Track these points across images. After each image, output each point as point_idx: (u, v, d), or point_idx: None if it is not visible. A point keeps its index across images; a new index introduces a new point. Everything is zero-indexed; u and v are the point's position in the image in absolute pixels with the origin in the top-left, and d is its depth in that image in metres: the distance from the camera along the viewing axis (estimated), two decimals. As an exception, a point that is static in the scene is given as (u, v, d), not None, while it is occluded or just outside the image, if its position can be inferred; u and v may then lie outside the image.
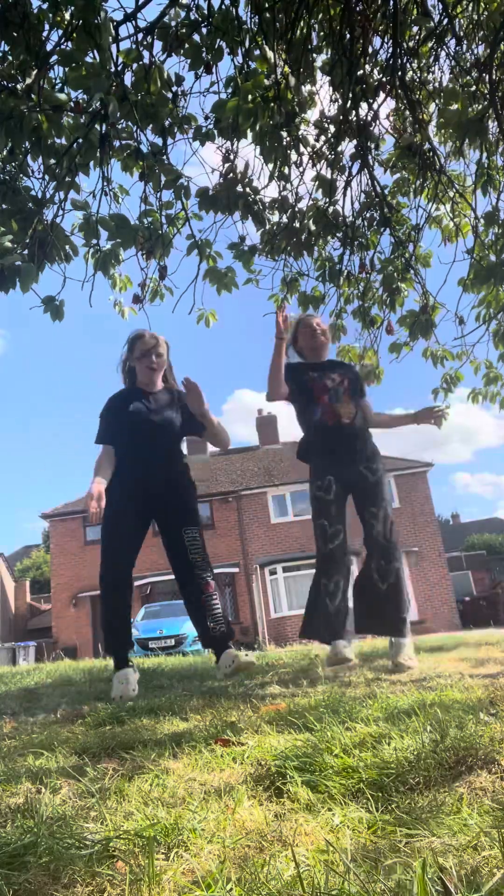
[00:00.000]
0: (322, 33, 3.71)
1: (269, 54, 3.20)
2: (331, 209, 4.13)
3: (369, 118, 3.86)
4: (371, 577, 3.24)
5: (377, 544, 3.27)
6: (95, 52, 2.63)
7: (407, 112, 4.01)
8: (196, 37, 3.26)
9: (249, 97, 3.07)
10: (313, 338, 3.59)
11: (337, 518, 3.28)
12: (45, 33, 2.77)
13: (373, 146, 4.13)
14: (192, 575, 3.10)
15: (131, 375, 3.36)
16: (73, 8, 2.57)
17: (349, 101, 3.65)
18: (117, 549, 3.13)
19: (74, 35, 2.63)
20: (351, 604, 3.30)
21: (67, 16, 2.74)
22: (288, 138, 3.55)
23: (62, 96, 2.86)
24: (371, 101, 3.76)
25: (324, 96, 4.03)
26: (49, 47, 2.79)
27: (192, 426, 3.32)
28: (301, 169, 3.98)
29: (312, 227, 4.13)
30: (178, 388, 3.40)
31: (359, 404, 3.48)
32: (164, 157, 3.51)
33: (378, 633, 3.35)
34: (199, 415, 3.22)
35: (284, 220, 4.11)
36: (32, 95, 2.72)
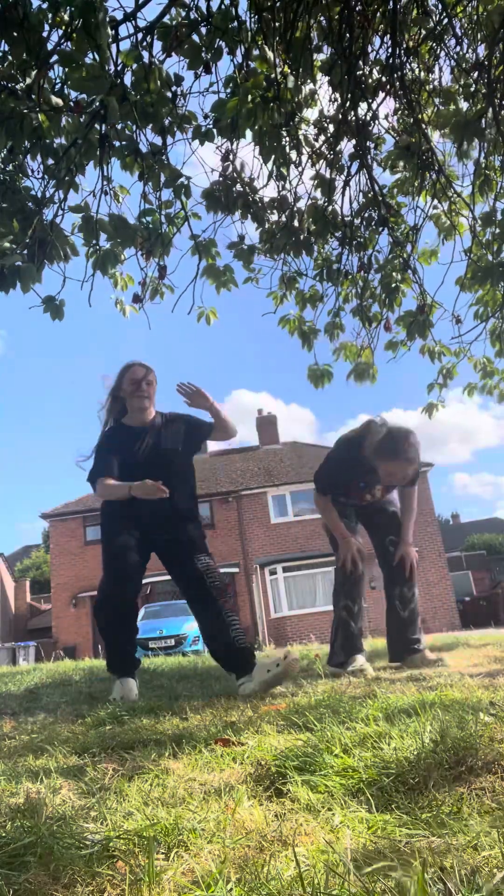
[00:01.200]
0: (321, 33, 3.71)
1: (269, 54, 3.20)
2: (329, 208, 4.13)
3: (368, 118, 3.87)
4: (392, 604, 3.40)
5: (399, 574, 3.38)
6: (95, 52, 2.63)
7: (406, 112, 4.01)
8: (196, 36, 3.25)
9: (249, 97, 3.06)
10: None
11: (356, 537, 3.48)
12: (45, 33, 2.76)
13: (372, 146, 4.13)
14: (212, 598, 2.94)
15: (120, 410, 3.26)
16: (72, 8, 2.57)
17: (348, 101, 3.65)
18: (123, 567, 2.96)
19: (74, 35, 2.63)
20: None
21: (67, 16, 2.74)
22: (287, 138, 3.55)
23: (60, 98, 2.86)
24: (370, 100, 3.76)
25: (323, 96, 4.02)
26: (49, 47, 2.78)
27: (198, 434, 3.23)
28: (300, 168, 3.98)
29: (311, 227, 4.13)
30: (167, 413, 3.30)
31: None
32: (164, 156, 3.51)
33: (399, 659, 3.43)
34: (206, 410, 3.14)
35: (283, 219, 4.11)
36: (32, 95, 2.71)
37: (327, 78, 3.71)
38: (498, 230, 4.23)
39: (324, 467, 3.54)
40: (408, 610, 3.37)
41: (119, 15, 2.96)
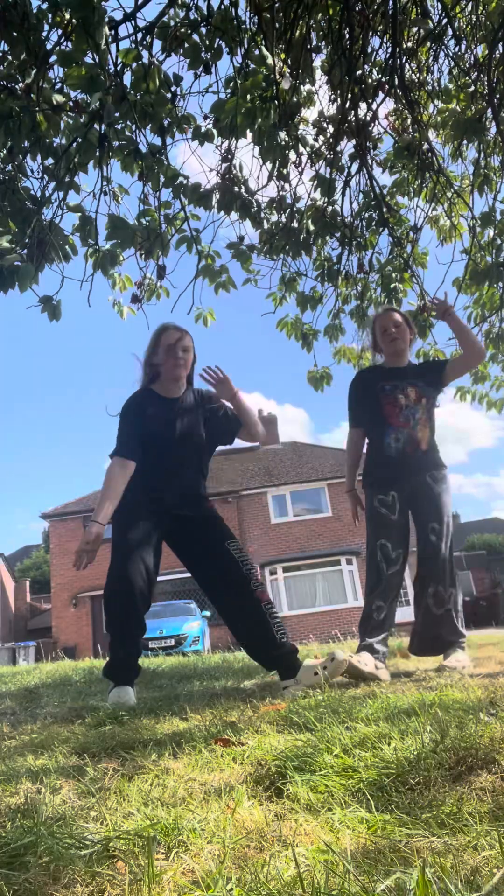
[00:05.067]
0: (321, 33, 3.71)
1: (268, 55, 3.20)
2: (329, 209, 4.13)
3: (368, 118, 3.87)
4: (426, 602, 3.02)
5: (435, 568, 3.00)
6: (94, 52, 2.63)
7: (406, 112, 4.02)
8: (195, 36, 3.26)
9: (248, 97, 3.07)
10: (384, 338, 3.24)
11: (399, 542, 3.04)
12: (44, 33, 2.77)
13: (371, 146, 4.13)
14: (249, 589, 2.69)
15: (153, 374, 2.93)
16: (71, 8, 2.57)
17: (348, 101, 3.65)
18: (137, 557, 2.67)
19: (73, 35, 2.63)
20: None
21: (67, 15, 2.74)
22: (287, 138, 3.55)
23: (60, 97, 2.86)
24: (370, 101, 3.77)
25: (323, 96, 4.03)
26: (48, 47, 2.79)
27: (223, 436, 2.95)
28: (300, 169, 3.99)
29: (311, 227, 4.13)
30: (202, 391, 3.00)
31: (432, 416, 3.18)
32: (164, 156, 3.52)
33: (429, 654, 3.14)
34: (231, 402, 2.87)
35: (283, 219, 4.11)
36: (32, 95, 2.72)
37: (327, 78, 3.72)
38: (497, 231, 4.23)
39: (350, 403, 3.34)
40: (443, 609, 2.98)
41: (119, 15, 2.96)
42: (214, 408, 2.95)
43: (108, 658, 2.79)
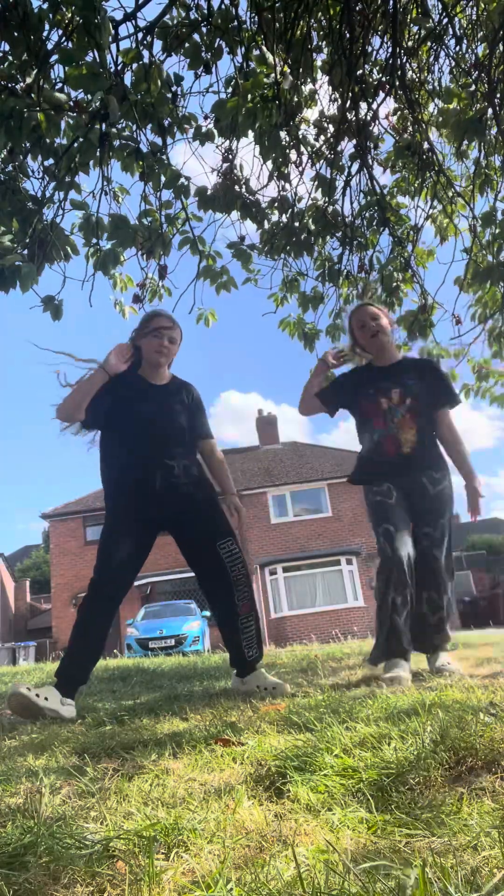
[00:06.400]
0: (322, 33, 3.71)
1: (269, 55, 3.20)
2: (330, 209, 4.13)
3: (369, 118, 3.87)
4: (422, 608, 2.89)
5: (430, 574, 2.88)
6: (95, 51, 2.63)
7: (406, 112, 4.02)
8: (196, 36, 3.26)
9: (249, 97, 3.07)
10: (362, 333, 3.10)
11: (403, 523, 2.87)
12: (45, 33, 2.77)
13: (372, 146, 4.13)
14: (231, 597, 2.68)
15: (137, 361, 2.86)
16: (73, 7, 2.57)
17: (348, 101, 3.65)
18: (119, 554, 2.61)
19: (74, 35, 2.63)
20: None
21: (68, 15, 2.74)
22: (287, 138, 3.55)
23: (62, 96, 2.86)
24: (370, 100, 3.77)
25: (323, 96, 4.03)
26: (49, 47, 2.79)
27: (199, 431, 2.90)
28: (301, 168, 3.99)
29: (312, 227, 4.13)
30: (185, 382, 2.96)
31: (430, 421, 3.01)
32: (164, 156, 3.52)
33: (417, 649, 2.98)
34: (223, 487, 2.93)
35: (284, 219, 4.11)
36: (32, 95, 2.72)
37: (327, 78, 3.72)
38: (498, 230, 4.23)
39: (331, 384, 3.27)
40: (437, 616, 2.89)
41: (119, 15, 2.96)
42: (191, 400, 2.91)
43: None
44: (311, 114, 3.96)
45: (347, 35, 3.32)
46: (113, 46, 2.88)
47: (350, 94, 3.59)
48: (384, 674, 2.71)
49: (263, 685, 2.68)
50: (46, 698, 2.39)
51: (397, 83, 3.57)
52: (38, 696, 2.38)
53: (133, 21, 3.02)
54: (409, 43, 3.81)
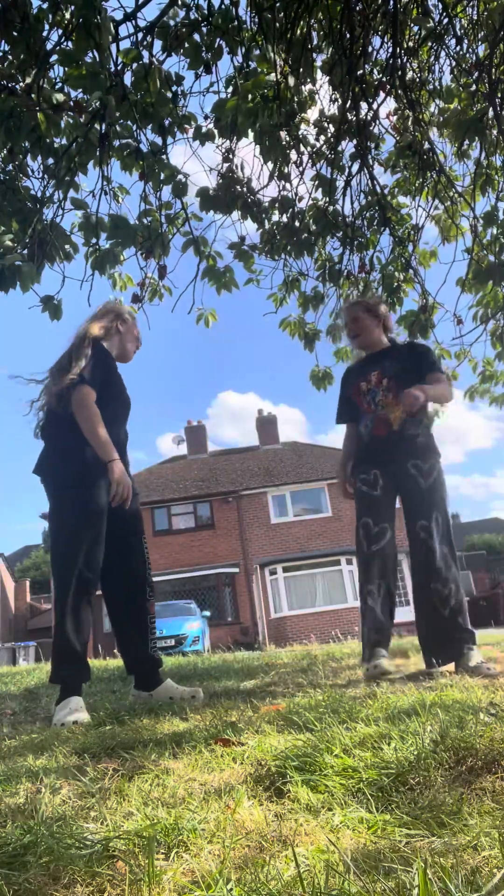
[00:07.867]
0: (322, 33, 3.71)
1: (269, 54, 3.20)
2: (331, 209, 4.13)
3: (369, 118, 3.87)
4: (432, 603, 2.85)
5: (433, 567, 2.84)
6: (95, 51, 2.63)
7: (407, 112, 4.01)
8: (196, 36, 3.26)
9: (249, 97, 3.07)
10: (347, 335, 3.33)
11: (384, 515, 2.96)
12: (45, 33, 2.77)
13: (372, 146, 4.13)
14: (143, 593, 2.68)
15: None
16: (73, 7, 2.57)
17: (349, 101, 3.65)
18: (96, 545, 2.53)
19: (74, 35, 2.63)
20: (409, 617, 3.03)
21: (68, 15, 2.74)
22: (288, 138, 3.55)
23: (61, 96, 2.86)
24: (371, 100, 3.76)
25: (323, 96, 4.03)
26: (49, 47, 2.79)
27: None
28: (301, 168, 3.98)
29: (312, 227, 4.13)
30: None
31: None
32: (164, 156, 3.52)
33: (448, 660, 2.86)
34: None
35: (284, 219, 4.11)
36: (32, 95, 2.72)
37: (328, 78, 3.72)
38: (500, 230, 4.23)
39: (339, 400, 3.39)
40: (449, 607, 2.82)
41: (119, 15, 2.96)
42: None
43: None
44: (311, 114, 3.97)
45: (348, 35, 3.32)
46: (113, 46, 2.88)
47: (350, 94, 3.59)
48: (366, 664, 2.83)
49: (175, 694, 2.64)
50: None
51: (398, 83, 3.57)
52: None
53: (133, 21, 3.02)
54: (410, 43, 3.81)
